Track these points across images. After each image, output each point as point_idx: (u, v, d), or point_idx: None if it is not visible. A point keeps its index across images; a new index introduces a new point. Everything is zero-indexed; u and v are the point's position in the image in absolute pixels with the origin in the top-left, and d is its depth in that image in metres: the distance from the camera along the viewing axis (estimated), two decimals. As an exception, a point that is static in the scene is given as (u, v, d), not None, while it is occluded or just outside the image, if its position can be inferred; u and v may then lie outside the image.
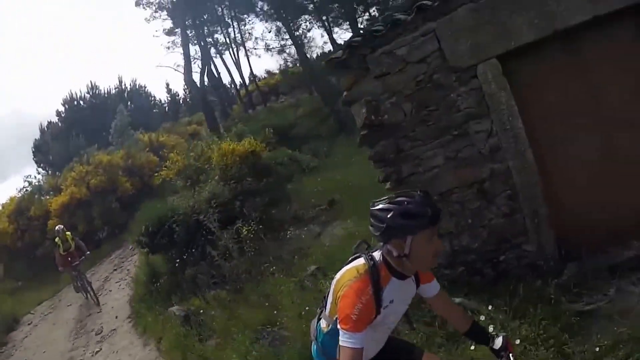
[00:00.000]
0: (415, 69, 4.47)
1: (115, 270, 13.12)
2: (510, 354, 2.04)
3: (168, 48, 25.79)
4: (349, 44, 4.75)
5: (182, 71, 22.69)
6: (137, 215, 10.24)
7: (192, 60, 23.42)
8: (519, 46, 3.99)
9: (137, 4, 23.33)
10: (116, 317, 8.90)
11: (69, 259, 10.19)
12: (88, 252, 10.79)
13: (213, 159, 9.69)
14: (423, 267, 1.95)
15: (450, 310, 2.22)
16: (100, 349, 7.64)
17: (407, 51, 4.46)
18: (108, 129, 21.93)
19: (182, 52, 22.78)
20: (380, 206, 1.83)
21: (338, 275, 1.97)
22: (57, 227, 10.60)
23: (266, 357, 4.70)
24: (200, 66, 24.05)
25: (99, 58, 56.31)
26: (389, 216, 1.77)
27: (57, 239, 10.23)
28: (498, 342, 2.07)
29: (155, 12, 23.41)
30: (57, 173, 20.99)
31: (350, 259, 2.01)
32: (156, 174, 12.97)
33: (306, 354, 3.56)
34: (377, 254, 1.93)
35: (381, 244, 1.90)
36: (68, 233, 10.46)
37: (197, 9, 22.38)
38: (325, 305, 2.07)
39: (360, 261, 1.93)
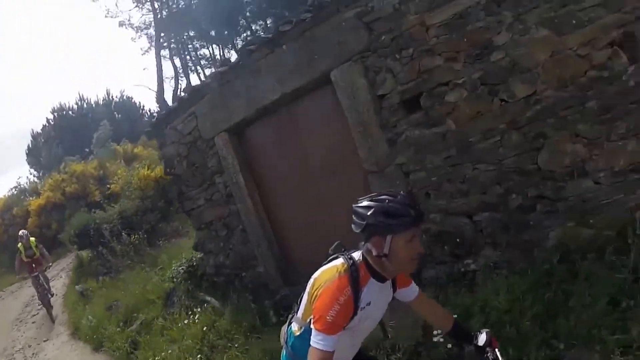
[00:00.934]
0: (186, 139, 6.69)
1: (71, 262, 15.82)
2: (496, 349, 2.02)
3: (144, 69, 28.55)
4: (154, 119, 7.05)
5: (155, 90, 25.19)
6: (72, 220, 12.70)
7: (165, 79, 25.99)
8: (237, 122, 5.94)
9: (121, 25, 26.23)
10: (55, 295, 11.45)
11: (33, 265, 9.63)
12: (50, 264, 10.51)
13: (133, 182, 12.11)
14: (402, 269, 1.88)
15: (431, 310, 2.17)
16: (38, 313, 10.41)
17: (182, 127, 6.68)
18: (92, 139, 24.58)
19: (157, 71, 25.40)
20: (363, 203, 1.81)
21: (316, 274, 1.93)
22: (20, 232, 10.03)
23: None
24: (173, 85, 26.64)
25: (95, 68, 59.56)
26: (369, 213, 1.76)
27: (20, 245, 9.63)
28: (482, 338, 2.04)
29: (137, 32, 26.32)
30: (47, 175, 23.80)
31: (327, 259, 1.97)
32: (108, 187, 15.42)
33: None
34: (356, 254, 1.90)
35: (362, 243, 1.87)
36: (32, 239, 9.92)
37: (175, 28, 25.00)
38: (298, 308, 2.01)
39: (339, 261, 1.88)
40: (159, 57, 25.11)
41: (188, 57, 26.96)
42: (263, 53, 5.36)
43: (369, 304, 1.83)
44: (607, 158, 3.62)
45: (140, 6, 26.00)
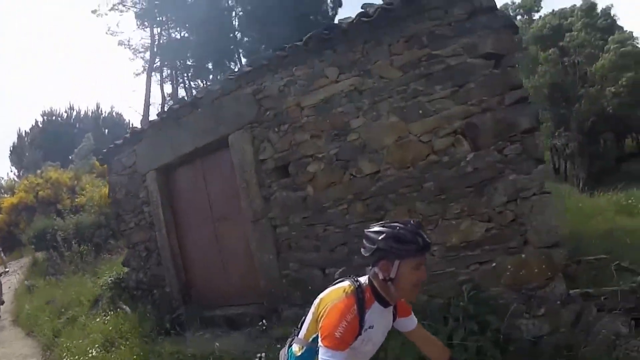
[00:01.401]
0: (128, 171, 7.93)
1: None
2: None
3: (133, 91, 30.02)
4: (105, 150, 8.31)
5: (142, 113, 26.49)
6: (32, 223, 13.76)
7: (153, 104, 27.41)
8: (164, 164, 7.13)
9: (120, 44, 27.90)
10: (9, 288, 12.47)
11: None
12: (7, 269, 11.44)
13: (95, 198, 13.30)
14: (405, 295, 1.96)
15: (428, 343, 2.25)
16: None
17: (125, 160, 7.92)
18: (75, 149, 25.77)
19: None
20: (374, 229, 1.92)
21: (322, 295, 2.01)
22: None
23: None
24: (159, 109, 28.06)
25: (91, 78, 60.82)
26: (380, 238, 1.86)
27: None
28: None
29: (134, 54, 27.93)
30: (26, 175, 24.83)
31: (333, 283, 2.06)
32: (76, 198, 16.56)
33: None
34: (362, 279, 1.98)
35: (369, 268, 1.96)
36: None
37: (170, 56, 26.63)
38: (300, 330, 2.07)
39: (346, 282, 1.97)
40: (149, 83, 26.62)
41: (180, 86, 28.47)
42: (185, 112, 6.68)
43: (371, 327, 1.90)
44: (441, 234, 4.38)
45: (142, 28, 27.67)
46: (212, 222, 6.73)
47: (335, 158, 5.13)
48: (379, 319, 1.94)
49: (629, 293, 4.08)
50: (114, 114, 30.35)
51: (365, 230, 1.96)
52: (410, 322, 2.18)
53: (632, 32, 24.38)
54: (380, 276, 1.89)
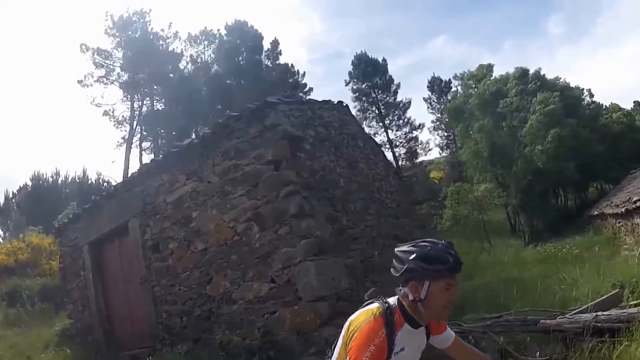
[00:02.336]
0: (72, 243, 10.58)
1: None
2: None
3: (112, 162, 33.01)
4: (56, 227, 11.04)
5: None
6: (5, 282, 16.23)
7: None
8: (93, 239, 9.90)
9: (104, 114, 31.25)
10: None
11: None
12: None
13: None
14: (436, 315, 1.94)
15: (467, 355, 2.24)
16: None
17: (71, 234, 10.61)
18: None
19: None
20: (404, 248, 1.91)
21: (351, 318, 1.99)
22: None
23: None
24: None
25: (77, 144, 63.48)
26: (410, 258, 1.85)
27: None
28: None
29: (115, 126, 31.56)
30: (10, 237, 27.33)
31: (363, 305, 2.04)
32: (52, 262, 19.07)
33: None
34: (391, 299, 1.97)
35: (399, 288, 1.95)
36: None
37: (151, 128, 30.03)
38: (332, 354, 2.06)
39: (375, 305, 1.95)
40: (128, 154, 29.84)
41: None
42: (105, 201, 9.48)
43: (402, 349, 1.88)
44: (243, 292, 6.95)
45: (125, 101, 31.22)
46: (124, 284, 9.33)
47: (183, 239, 7.86)
48: (410, 341, 1.93)
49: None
50: (100, 180, 32.98)
51: (395, 249, 1.95)
52: (446, 339, 2.17)
53: (565, 87, 27.71)
54: (410, 297, 1.88)
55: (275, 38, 36.12)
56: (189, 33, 34.67)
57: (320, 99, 8.86)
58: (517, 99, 23.32)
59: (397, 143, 35.90)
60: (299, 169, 6.72)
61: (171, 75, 30.92)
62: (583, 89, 38.19)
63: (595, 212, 16.02)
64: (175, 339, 7.75)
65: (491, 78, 25.77)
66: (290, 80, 36.56)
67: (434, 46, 76.21)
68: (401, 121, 36.55)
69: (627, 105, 35.44)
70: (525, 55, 75.70)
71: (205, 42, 33.20)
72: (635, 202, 11.62)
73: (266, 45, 34.02)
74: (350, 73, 36.76)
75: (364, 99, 36.04)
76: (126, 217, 8.82)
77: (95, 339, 9.86)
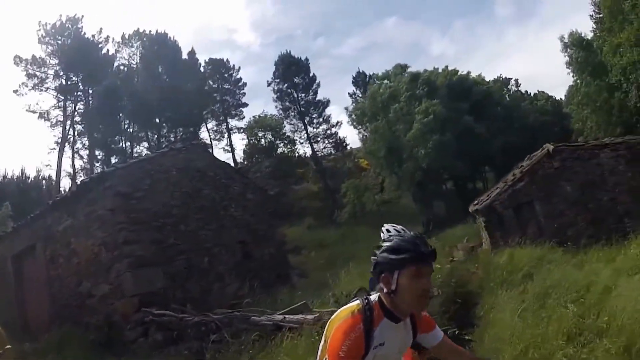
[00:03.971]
0: (3, 256, 14.62)
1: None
2: None
3: (47, 165, 36.19)
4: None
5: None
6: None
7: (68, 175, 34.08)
8: (14, 253, 13.98)
9: (40, 117, 34.53)
10: None
11: None
12: None
13: None
14: (411, 306, 2.01)
15: (455, 355, 2.31)
16: None
17: (1, 249, 14.67)
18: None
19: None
20: (378, 244, 2.05)
21: (332, 316, 2.12)
22: None
23: None
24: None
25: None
26: (378, 252, 2.00)
27: None
28: None
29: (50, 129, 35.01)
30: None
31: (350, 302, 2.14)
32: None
33: None
34: (373, 296, 2.07)
35: (379, 285, 2.03)
36: None
37: (87, 128, 33.64)
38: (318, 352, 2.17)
39: (356, 302, 2.07)
40: (61, 155, 33.40)
41: (98, 152, 35.39)
42: (21, 227, 13.48)
43: (382, 344, 1.97)
44: (97, 291, 11.52)
45: (58, 107, 34.54)
46: (34, 286, 13.43)
47: (66, 256, 11.97)
48: (391, 336, 2.01)
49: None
50: (39, 177, 36.17)
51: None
52: (434, 337, 2.25)
53: (477, 81, 31.69)
54: (385, 290, 1.98)
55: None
56: (122, 35, 38.11)
57: (173, 146, 12.82)
58: (405, 105, 27.20)
59: (319, 139, 40.51)
60: (129, 212, 10.78)
61: (104, 78, 34.27)
62: (510, 79, 42.48)
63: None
64: (63, 321, 11.81)
65: (402, 79, 29.59)
66: (226, 75, 40.66)
67: (386, 27, 79.58)
68: (321, 118, 41.29)
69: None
70: (475, 35, 79.24)
71: (138, 43, 36.65)
72: (476, 203, 15.24)
73: (202, 42, 37.95)
74: (273, 73, 41.07)
75: (285, 98, 40.39)
76: (34, 240, 12.82)
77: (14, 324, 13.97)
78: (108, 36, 37.52)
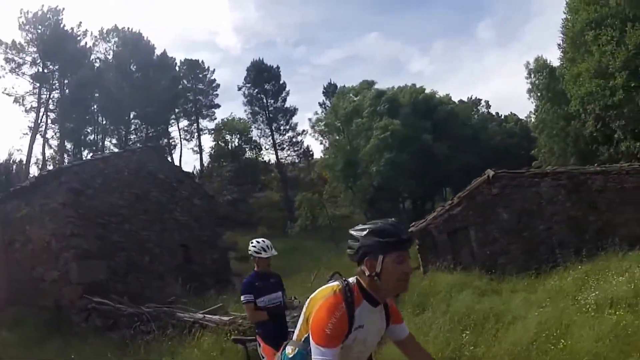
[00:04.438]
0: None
1: None
2: None
3: (18, 150, 36.82)
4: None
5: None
6: None
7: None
8: None
9: (15, 102, 35.16)
10: None
11: None
12: None
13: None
14: (392, 289, 2.12)
15: (418, 355, 2.37)
16: None
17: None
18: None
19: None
20: (358, 227, 2.13)
21: (312, 295, 2.18)
22: None
23: None
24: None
25: None
26: (363, 234, 2.06)
27: None
28: None
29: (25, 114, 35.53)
30: None
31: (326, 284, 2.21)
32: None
33: None
34: (350, 279, 2.16)
35: (356, 269, 2.13)
36: None
37: (61, 117, 34.28)
38: (294, 332, 2.25)
39: (334, 283, 2.15)
40: (32, 142, 34.05)
41: (68, 143, 36.02)
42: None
43: (361, 326, 2.07)
44: (48, 275, 12.59)
45: (33, 93, 35.15)
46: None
47: (22, 242, 13.03)
48: (368, 319, 2.11)
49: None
50: (10, 161, 36.66)
51: (350, 230, 2.18)
52: (402, 331, 2.35)
53: (442, 101, 33.48)
54: (367, 272, 2.06)
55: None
56: (100, 29, 38.98)
57: (128, 148, 13.99)
58: (367, 120, 28.90)
59: (285, 146, 42.13)
60: (78, 208, 11.96)
61: (79, 70, 35.08)
62: (481, 100, 44.63)
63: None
64: (19, 302, 12.79)
65: (368, 94, 31.27)
66: (200, 76, 42.01)
67: (367, 42, 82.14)
68: (288, 126, 43.01)
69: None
70: (456, 57, 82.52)
71: (115, 39, 37.61)
72: (412, 226, 15.42)
73: (184, 42, 39.18)
74: (245, 78, 42.85)
75: (255, 103, 42.09)
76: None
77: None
78: (87, 30, 38.28)
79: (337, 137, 29.16)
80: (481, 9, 79.70)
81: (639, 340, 5.38)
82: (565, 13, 24.61)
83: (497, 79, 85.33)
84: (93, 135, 38.04)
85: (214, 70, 44.51)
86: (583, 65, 21.92)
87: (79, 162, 12.58)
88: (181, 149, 43.35)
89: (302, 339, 2.12)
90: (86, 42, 38.18)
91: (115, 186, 13.18)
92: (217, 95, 46.50)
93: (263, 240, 4.74)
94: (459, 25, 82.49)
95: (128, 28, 39.25)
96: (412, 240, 2.17)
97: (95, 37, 39.00)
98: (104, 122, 37.79)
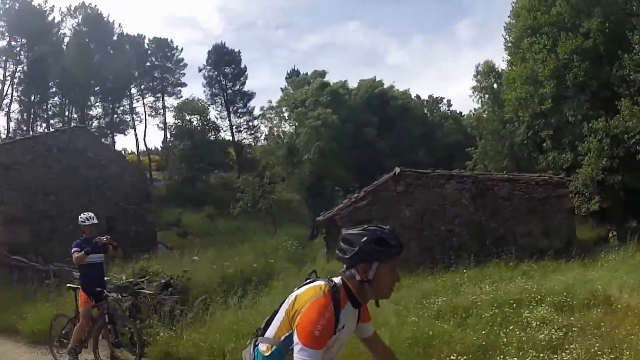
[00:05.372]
0: None
1: None
2: None
3: None
4: None
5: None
6: None
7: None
8: None
9: None
10: None
11: None
12: None
13: None
14: (380, 295, 2.24)
15: (383, 352, 2.51)
16: None
17: None
18: None
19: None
20: (354, 231, 2.18)
21: (297, 292, 2.23)
22: None
23: None
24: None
25: None
26: (362, 240, 2.11)
27: None
28: None
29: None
30: None
31: (303, 284, 2.30)
32: None
33: None
34: (336, 279, 2.21)
35: (342, 270, 2.22)
36: None
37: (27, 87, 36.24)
38: (267, 328, 2.29)
39: (321, 282, 2.20)
40: None
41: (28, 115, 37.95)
42: None
43: (343, 327, 2.15)
44: None
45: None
46: None
47: None
48: (349, 320, 2.21)
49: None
50: None
51: (344, 231, 2.24)
52: (368, 329, 2.45)
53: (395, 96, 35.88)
54: (358, 277, 2.14)
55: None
56: (68, 6, 40.75)
57: (59, 128, 16.40)
58: (307, 110, 31.32)
59: (241, 129, 45.04)
60: (7, 180, 14.38)
61: (44, 45, 36.93)
62: (443, 98, 46.98)
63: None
64: None
65: (313, 85, 33.54)
66: (169, 54, 44.12)
67: (346, 30, 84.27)
68: (245, 109, 46.01)
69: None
70: (434, 53, 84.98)
71: (81, 16, 39.41)
72: (321, 214, 17.24)
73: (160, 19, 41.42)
74: (206, 60, 45.47)
75: (215, 85, 44.75)
76: None
77: None
78: (54, 6, 39.97)
79: (283, 124, 31.65)
80: (462, 8, 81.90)
81: (440, 345, 5.81)
82: (509, 17, 25.59)
83: (468, 77, 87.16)
84: (55, 109, 40.03)
85: (182, 49, 46.54)
86: (517, 70, 22.86)
87: (10, 141, 15.03)
88: (145, 125, 45.54)
89: (282, 337, 2.17)
90: (54, 17, 39.97)
91: (43, 162, 15.58)
92: (184, 74, 48.46)
93: (86, 213, 6.95)
94: (440, 21, 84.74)
95: (94, 5, 41.07)
96: (403, 249, 2.25)
97: (63, 12, 40.76)
98: (64, 99, 39.67)
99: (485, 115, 27.78)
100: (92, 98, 40.77)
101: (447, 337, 5.97)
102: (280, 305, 2.27)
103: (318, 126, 29.31)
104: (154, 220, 21.05)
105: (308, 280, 2.30)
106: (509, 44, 25.14)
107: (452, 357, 5.39)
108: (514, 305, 7.01)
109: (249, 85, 55.00)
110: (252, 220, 30.54)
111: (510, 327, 6.06)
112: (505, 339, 5.74)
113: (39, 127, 37.43)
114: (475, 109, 30.99)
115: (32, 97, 37.88)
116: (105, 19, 41.36)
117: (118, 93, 41.20)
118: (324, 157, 29.05)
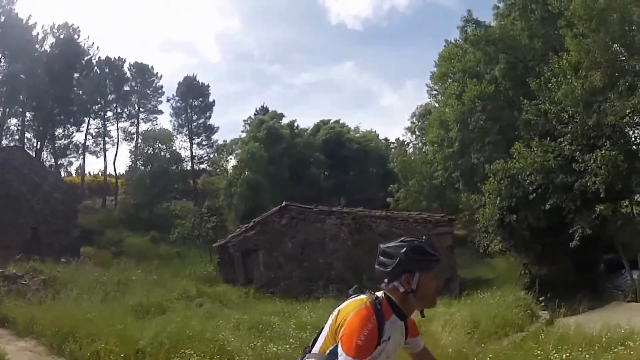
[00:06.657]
0: None
1: None
2: None
3: None
4: None
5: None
6: None
7: None
8: None
9: None
10: None
11: None
12: None
13: None
14: (425, 305, 2.37)
15: None
16: None
17: None
18: None
19: None
20: (393, 244, 2.33)
21: (341, 307, 2.37)
22: None
23: None
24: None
25: None
26: (402, 251, 2.26)
27: None
28: None
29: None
30: None
31: (348, 297, 2.42)
32: None
33: None
34: (378, 293, 2.35)
35: (384, 284, 2.35)
36: None
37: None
38: (314, 345, 2.41)
39: (363, 295, 2.35)
40: None
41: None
42: None
43: (389, 338, 2.26)
44: None
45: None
46: None
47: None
48: (395, 333, 2.31)
49: None
50: None
51: (382, 246, 2.39)
52: (417, 343, 2.58)
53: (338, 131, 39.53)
54: (401, 289, 2.28)
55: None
56: (52, 24, 44.29)
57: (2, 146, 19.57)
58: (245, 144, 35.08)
59: (203, 160, 48.48)
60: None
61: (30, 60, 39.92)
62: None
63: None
64: None
65: (253, 122, 37.51)
66: (149, 80, 47.76)
67: (341, 70, 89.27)
68: (208, 142, 49.29)
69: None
70: (422, 95, 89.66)
71: (54, 39, 43.02)
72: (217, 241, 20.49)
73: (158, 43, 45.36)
74: (176, 91, 49.33)
75: (182, 116, 48.54)
76: None
77: None
78: (36, 22, 42.92)
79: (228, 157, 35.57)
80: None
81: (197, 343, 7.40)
82: (436, 63, 28.50)
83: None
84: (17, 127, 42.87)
85: (162, 76, 49.99)
86: (435, 114, 25.68)
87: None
88: (117, 149, 48.43)
89: (327, 351, 2.30)
90: (38, 34, 43.22)
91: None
92: (161, 102, 51.30)
93: None
94: (430, 66, 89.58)
95: (76, 27, 44.47)
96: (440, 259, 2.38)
97: (45, 30, 44.16)
98: (27, 117, 42.74)
99: (411, 157, 30.95)
100: (57, 118, 43.57)
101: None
102: (326, 322, 2.40)
103: (246, 159, 32.69)
104: (78, 235, 23.89)
105: (352, 296, 2.42)
106: (433, 91, 28.97)
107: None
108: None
109: (227, 118, 58.48)
110: (194, 247, 33.07)
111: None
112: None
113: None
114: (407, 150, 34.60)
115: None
116: (79, 41, 44.59)
117: (82, 115, 44.40)
118: (253, 190, 32.15)
